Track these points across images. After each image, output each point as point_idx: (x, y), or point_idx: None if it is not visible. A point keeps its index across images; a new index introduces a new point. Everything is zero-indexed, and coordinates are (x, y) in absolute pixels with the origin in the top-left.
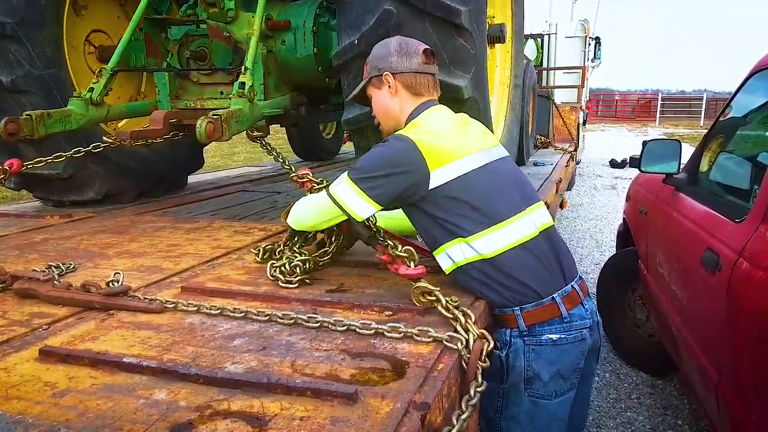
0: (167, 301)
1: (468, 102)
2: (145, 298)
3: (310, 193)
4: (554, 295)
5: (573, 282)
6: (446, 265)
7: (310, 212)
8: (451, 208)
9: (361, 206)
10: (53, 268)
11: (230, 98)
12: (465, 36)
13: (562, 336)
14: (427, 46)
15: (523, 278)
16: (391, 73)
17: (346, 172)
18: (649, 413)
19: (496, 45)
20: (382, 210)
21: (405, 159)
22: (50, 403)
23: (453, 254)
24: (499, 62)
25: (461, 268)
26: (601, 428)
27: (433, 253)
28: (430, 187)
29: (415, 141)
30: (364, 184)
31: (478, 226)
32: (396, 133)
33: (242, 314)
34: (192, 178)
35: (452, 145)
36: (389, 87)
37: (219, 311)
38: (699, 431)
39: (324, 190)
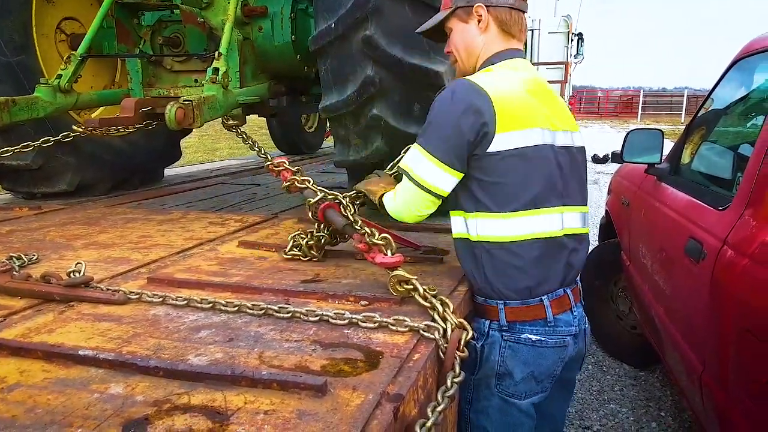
0: (131, 292)
1: None
2: (107, 289)
3: (288, 183)
4: (543, 297)
5: (567, 287)
6: (456, 230)
7: (400, 206)
8: (493, 178)
9: (442, 178)
10: (14, 259)
11: (204, 85)
12: None
13: (543, 339)
14: None
15: (525, 272)
16: (485, 6)
17: (416, 142)
18: (632, 405)
19: None
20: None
21: (477, 108)
22: None
23: (469, 224)
24: None
25: (469, 240)
26: (584, 420)
27: (451, 212)
28: (488, 150)
29: (489, 93)
30: (438, 150)
31: (508, 206)
32: (466, 78)
33: (210, 305)
34: (169, 172)
35: (524, 110)
36: (479, 21)
37: (185, 302)
38: (682, 422)
39: (402, 173)
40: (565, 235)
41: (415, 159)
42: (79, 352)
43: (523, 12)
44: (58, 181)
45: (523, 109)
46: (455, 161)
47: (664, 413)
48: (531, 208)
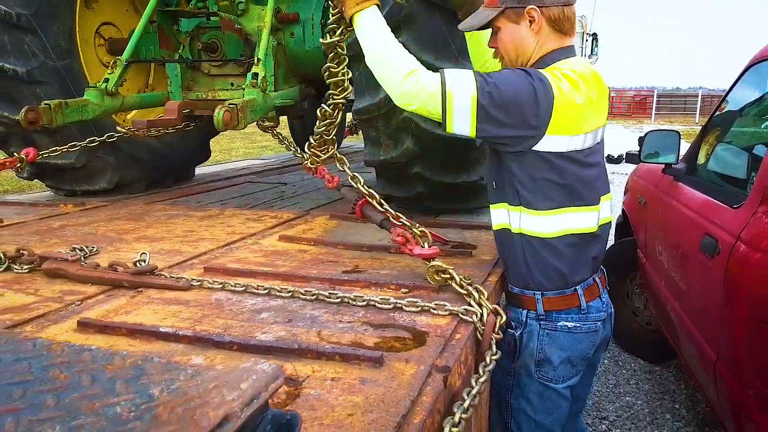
0: (193, 279)
1: None
2: (171, 277)
3: (327, 182)
4: (577, 287)
5: (596, 274)
6: (499, 221)
7: (414, 92)
8: (535, 175)
9: (464, 125)
10: (78, 250)
11: (242, 89)
12: None
13: (578, 325)
14: None
15: (562, 265)
16: (538, 7)
17: (477, 78)
18: (647, 398)
19: None
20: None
21: (535, 106)
22: None
23: (512, 217)
24: None
25: (510, 231)
26: (600, 411)
27: (492, 205)
28: (534, 147)
29: (555, 95)
30: (483, 110)
31: (548, 204)
32: (546, 70)
33: (266, 291)
34: (198, 171)
35: (578, 116)
36: (531, 23)
37: (243, 288)
38: (696, 414)
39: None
40: (599, 227)
41: (463, 92)
42: (160, 329)
43: (573, 5)
44: (98, 180)
45: (578, 116)
46: (485, 126)
47: (679, 405)
48: (570, 206)
